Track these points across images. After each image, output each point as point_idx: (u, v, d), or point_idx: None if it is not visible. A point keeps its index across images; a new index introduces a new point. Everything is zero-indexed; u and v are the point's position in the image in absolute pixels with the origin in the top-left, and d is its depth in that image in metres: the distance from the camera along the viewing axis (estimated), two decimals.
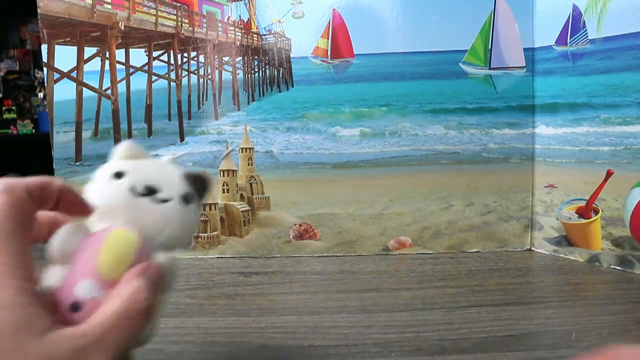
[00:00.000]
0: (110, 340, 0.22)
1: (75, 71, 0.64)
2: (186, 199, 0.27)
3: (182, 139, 0.66)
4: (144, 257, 0.25)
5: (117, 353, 0.23)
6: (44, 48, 0.63)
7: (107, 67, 0.65)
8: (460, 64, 0.64)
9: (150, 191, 0.26)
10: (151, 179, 0.27)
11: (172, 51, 0.66)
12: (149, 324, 0.25)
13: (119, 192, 0.26)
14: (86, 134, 0.65)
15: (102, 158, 0.64)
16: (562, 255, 0.62)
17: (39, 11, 0.62)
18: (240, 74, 0.65)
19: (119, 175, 0.27)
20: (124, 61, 0.65)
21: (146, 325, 0.24)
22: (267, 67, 0.66)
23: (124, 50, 0.65)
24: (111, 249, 0.24)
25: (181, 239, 0.28)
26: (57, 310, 0.23)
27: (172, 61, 0.66)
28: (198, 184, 0.29)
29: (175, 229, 0.27)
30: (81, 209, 0.26)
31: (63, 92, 0.64)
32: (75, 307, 0.23)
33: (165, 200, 0.27)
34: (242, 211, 0.66)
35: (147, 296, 0.23)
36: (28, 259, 0.22)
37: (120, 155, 0.29)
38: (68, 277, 0.24)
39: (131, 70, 0.65)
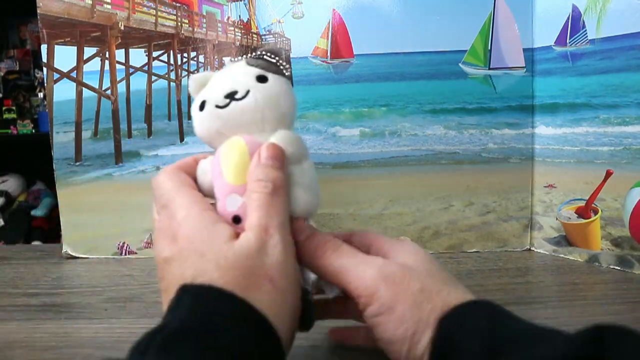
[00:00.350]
0: (271, 224, 0.26)
1: (75, 71, 0.64)
2: (261, 78, 0.29)
3: (182, 139, 0.66)
4: (257, 146, 0.28)
5: (284, 227, 0.27)
6: (44, 48, 0.63)
7: (107, 67, 0.65)
8: (460, 64, 0.64)
9: (230, 96, 0.28)
10: (225, 88, 0.29)
11: (171, 51, 0.66)
12: (298, 194, 0.28)
13: (210, 116, 0.29)
14: (86, 134, 0.65)
15: (102, 158, 0.66)
16: (562, 255, 0.62)
17: (38, 11, 0.62)
18: None
19: (202, 106, 0.29)
20: (123, 61, 0.65)
21: (289, 195, 0.28)
22: None
23: (123, 50, 0.65)
24: (228, 162, 0.28)
25: (282, 111, 0.29)
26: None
27: (171, 61, 0.66)
28: (266, 59, 0.29)
29: (270, 108, 0.28)
30: None
31: (63, 92, 0.64)
32: (236, 219, 0.27)
33: (245, 94, 0.28)
34: None
35: (268, 177, 0.27)
36: (202, 199, 0.28)
37: (194, 91, 0.30)
38: (217, 202, 0.28)
39: (131, 70, 0.65)
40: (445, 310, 0.25)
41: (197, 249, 0.25)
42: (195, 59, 0.66)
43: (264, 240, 0.26)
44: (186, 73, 0.66)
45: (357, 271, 0.27)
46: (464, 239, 0.65)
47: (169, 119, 0.66)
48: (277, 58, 0.30)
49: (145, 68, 0.65)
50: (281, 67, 0.30)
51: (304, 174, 0.29)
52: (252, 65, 0.29)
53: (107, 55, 0.64)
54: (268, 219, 0.26)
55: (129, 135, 0.66)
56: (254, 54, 0.30)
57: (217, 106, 0.28)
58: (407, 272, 0.27)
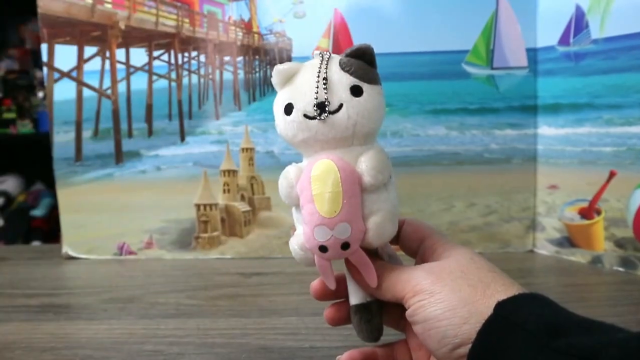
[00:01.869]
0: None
1: (76, 71, 0.64)
2: (356, 91, 0.27)
3: (182, 139, 0.66)
4: (349, 174, 0.27)
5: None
6: (44, 47, 0.63)
7: (107, 66, 0.65)
8: (462, 64, 0.64)
9: (321, 107, 0.27)
10: (315, 95, 0.27)
11: (172, 51, 0.66)
12: (381, 222, 0.28)
13: (297, 125, 0.27)
14: (86, 133, 0.65)
15: (102, 158, 0.66)
16: (564, 257, 0.62)
17: (38, 10, 0.62)
18: (241, 74, 0.66)
19: (288, 109, 0.28)
20: (124, 61, 0.65)
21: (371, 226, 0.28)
22: (268, 66, 0.66)
23: (124, 49, 0.65)
24: (320, 193, 0.27)
25: (373, 126, 0.28)
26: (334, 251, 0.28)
27: (172, 61, 0.66)
28: (362, 64, 0.28)
29: (362, 124, 0.27)
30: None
31: (63, 91, 0.64)
32: (322, 249, 0.27)
33: (338, 108, 0.27)
34: (242, 211, 0.66)
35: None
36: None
37: (279, 85, 0.29)
38: (304, 225, 0.27)
39: (131, 69, 0.65)
40: (499, 297, 0.25)
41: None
42: (196, 58, 0.66)
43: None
44: (187, 73, 0.66)
45: (406, 277, 0.28)
46: (465, 240, 0.65)
47: (170, 119, 0.66)
48: (372, 62, 0.28)
49: (146, 67, 0.65)
50: (376, 73, 0.28)
51: (389, 197, 0.28)
52: (346, 70, 0.27)
53: (107, 55, 0.64)
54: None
55: (130, 135, 0.66)
56: (348, 51, 0.28)
57: (306, 116, 0.27)
58: (447, 263, 0.27)
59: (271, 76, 0.29)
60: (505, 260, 0.61)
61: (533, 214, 0.65)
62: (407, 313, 0.27)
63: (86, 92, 0.65)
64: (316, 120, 0.27)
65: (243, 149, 0.65)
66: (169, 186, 0.65)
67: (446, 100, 0.65)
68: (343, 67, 0.27)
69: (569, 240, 0.62)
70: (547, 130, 0.63)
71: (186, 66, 0.66)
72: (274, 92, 0.71)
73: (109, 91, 0.65)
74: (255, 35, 0.65)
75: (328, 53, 0.28)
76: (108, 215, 0.66)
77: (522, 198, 0.65)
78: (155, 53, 0.65)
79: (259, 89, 0.67)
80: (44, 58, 0.63)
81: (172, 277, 0.57)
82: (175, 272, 0.60)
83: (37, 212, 1.73)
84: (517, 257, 0.63)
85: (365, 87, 0.27)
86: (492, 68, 0.64)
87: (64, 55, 0.64)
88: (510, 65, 0.64)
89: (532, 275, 0.56)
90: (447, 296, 0.25)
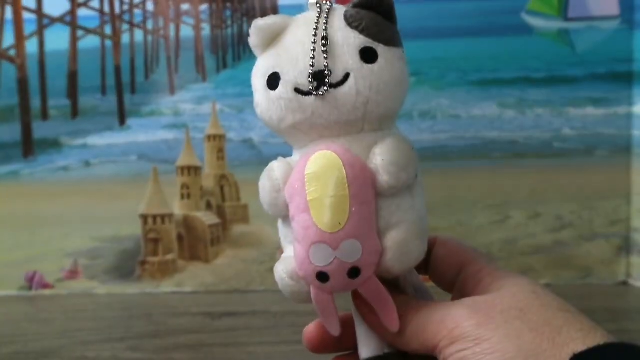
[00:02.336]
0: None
1: None
2: (368, 55, 0.27)
3: (122, 122, 0.65)
4: (359, 172, 0.27)
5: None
6: None
7: (8, 15, 0.64)
8: (522, 15, 0.63)
9: (319, 77, 0.26)
10: (312, 61, 0.27)
11: None
12: (407, 240, 0.27)
13: (285, 103, 0.27)
14: None
15: (4, 149, 0.64)
16: None
17: None
18: (206, 29, 0.66)
19: (273, 82, 0.27)
20: (34, 8, 0.64)
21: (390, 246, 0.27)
22: (244, 19, 0.66)
23: None
24: (319, 199, 0.27)
25: (392, 105, 0.28)
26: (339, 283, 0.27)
27: (106, 9, 0.65)
28: (374, 18, 0.28)
29: (377, 102, 0.27)
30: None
31: None
32: (322, 276, 0.27)
33: (344, 79, 0.27)
34: (209, 226, 0.66)
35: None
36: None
37: (259, 46, 0.28)
38: (296, 244, 0.27)
39: (46, 21, 0.65)
40: (575, 347, 0.24)
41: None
42: (141, 6, 0.65)
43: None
44: (128, 26, 0.65)
45: (439, 317, 0.27)
46: (527, 266, 0.65)
47: (103, 94, 0.65)
48: (391, 15, 0.28)
49: (68, 18, 0.65)
50: (396, 32, 0.28)
51: (415, 205, 0.28)
52: (355, 26, 0.27)
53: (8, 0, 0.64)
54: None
55: (44, 116, 0.65)
56: (357, 0, 0.28)
57: (299, 90, 0.26)
58: (499, 297, 0.27)
59: (248, 34, 0.28)
60: (586, 296, 0.61)
61: (627, 229, 0.64)
62: None
63: None
64: (312, 96, 0.27)
65: (209, 137, 0.66)
66: (103, 189, 0.66)
67: (500, 66, 0.65)
68: (350, 22, 0.28)
69: None
70: None
71: (127, 17, 0.65)
72: (252, 56, 0.66)
73: (11, 52, 0.64)
74: None
75: (329, 2, 0.28)
76: (12, 232, 0.66)
77: (611, 206, 0.64)
78: None
79: (232, 51, 0.67)
80: None
81: (108, 321, 0.57)
82: (112, 313, 0.59)
83: None
84: (604, 292, 0.62)
85: (380, 49, 0.27)
86: (567, 19, 0.64)
87: None
88: (594, 15, 0.63)
89: (625, 317, 0.57)
90: (499, 345, 0.25)
